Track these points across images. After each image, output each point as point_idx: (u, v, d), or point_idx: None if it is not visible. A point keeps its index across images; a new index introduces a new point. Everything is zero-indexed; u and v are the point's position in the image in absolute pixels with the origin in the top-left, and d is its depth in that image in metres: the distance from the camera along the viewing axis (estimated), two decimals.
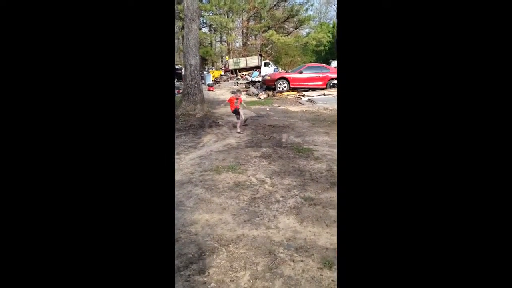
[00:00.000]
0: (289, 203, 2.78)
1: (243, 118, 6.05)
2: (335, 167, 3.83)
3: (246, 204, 2.79)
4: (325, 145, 4.91)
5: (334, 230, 2.34)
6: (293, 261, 1.94)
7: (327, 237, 2.25)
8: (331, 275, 1.83)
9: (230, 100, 6.00)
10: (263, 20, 30.06)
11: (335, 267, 1.93)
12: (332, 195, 3.00)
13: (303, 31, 33.87)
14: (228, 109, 6.96)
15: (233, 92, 6.46)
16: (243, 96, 9.59)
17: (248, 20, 31.23)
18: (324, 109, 6.87)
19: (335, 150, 4.71)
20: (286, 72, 15.69)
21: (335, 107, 8.73)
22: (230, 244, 2.14)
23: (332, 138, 5.35)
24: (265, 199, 2.88)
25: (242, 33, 31.99)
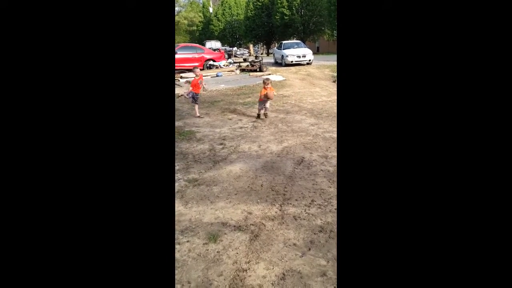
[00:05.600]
0: None
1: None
2: (217, 146, 3.93)
3: None
4: (207, 126, 4.99)
5: (218, 205, 2.45)
6: (179, 243, 1.97)
7: (211, 213, 2.33)
8: (216, 247, 1.94)
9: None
10: None
11: (220, 239, 1.99)
12: (215, 173, 3.09)
13: None
14: None
15: None
16: None
17: None
18: (203, 90, 6.70)
19: (217, 130, 4.54)
20: None
21: (215, 87, 8.54)
22: None
23: (213, 118, 5.46)
24: None
25: None
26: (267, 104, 5.50)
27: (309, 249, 1.88)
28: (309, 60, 13.67)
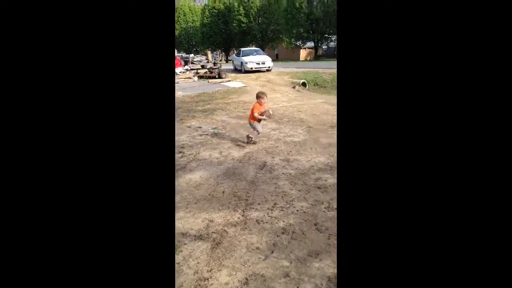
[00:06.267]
0: None
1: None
2: (175, 155, 3.93)
3: None
4: None
5: (176, 215, 2.36)
6: None
7: None
8: (175, 258, 1.86)
9: None
10: None
11: (180, 250, 1.95)
12: None
13: None
14: None
15: None
16: None
17: None
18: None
19: (175, 138, 4.31)
20: None
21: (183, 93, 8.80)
22: None
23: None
24: None
25: None
26: (260, 128, 4.21)
27: (272, 252, 1.87)
28: (269, 67, 13.92)
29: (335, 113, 6.01)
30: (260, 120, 4.12)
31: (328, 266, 1.73)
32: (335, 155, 3.68)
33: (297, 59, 32.73)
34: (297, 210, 2.40)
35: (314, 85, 11.21)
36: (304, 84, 10.84)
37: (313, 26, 27.92)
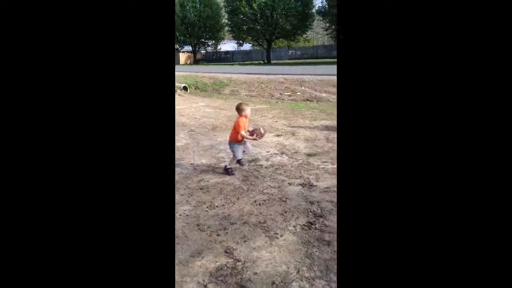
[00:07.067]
0: None
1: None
2: None
3: None
4: None
5: None
6: None
7: None
8: None
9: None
10: None
11: None
12: None
13: None
14: None
15: None
16: None
17: None
18: None
19: None
20: None
21: None
22: None
23: None
24: None
25: None
26: (240, 153, 3.19)
27: None
28: None
29: (216, 116, 6.21)
30: (243, 140, 3.17)
31: (209, 261, 1.80)
32: (217, 155, 3.83)
33: (177, 62, 32.19)
34: (180, 215, 2.40)
35: (195, 88, 11.27)
36: (185, 88, 10.77)
37: (189, 30, 27.96)
